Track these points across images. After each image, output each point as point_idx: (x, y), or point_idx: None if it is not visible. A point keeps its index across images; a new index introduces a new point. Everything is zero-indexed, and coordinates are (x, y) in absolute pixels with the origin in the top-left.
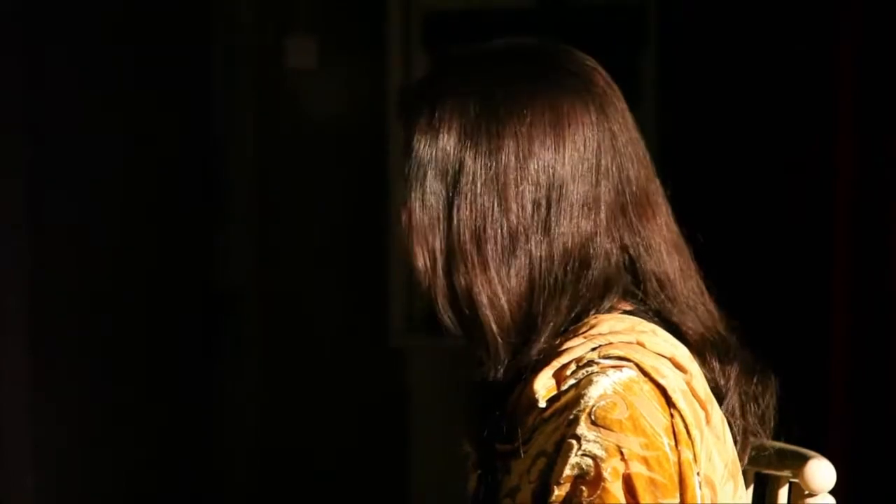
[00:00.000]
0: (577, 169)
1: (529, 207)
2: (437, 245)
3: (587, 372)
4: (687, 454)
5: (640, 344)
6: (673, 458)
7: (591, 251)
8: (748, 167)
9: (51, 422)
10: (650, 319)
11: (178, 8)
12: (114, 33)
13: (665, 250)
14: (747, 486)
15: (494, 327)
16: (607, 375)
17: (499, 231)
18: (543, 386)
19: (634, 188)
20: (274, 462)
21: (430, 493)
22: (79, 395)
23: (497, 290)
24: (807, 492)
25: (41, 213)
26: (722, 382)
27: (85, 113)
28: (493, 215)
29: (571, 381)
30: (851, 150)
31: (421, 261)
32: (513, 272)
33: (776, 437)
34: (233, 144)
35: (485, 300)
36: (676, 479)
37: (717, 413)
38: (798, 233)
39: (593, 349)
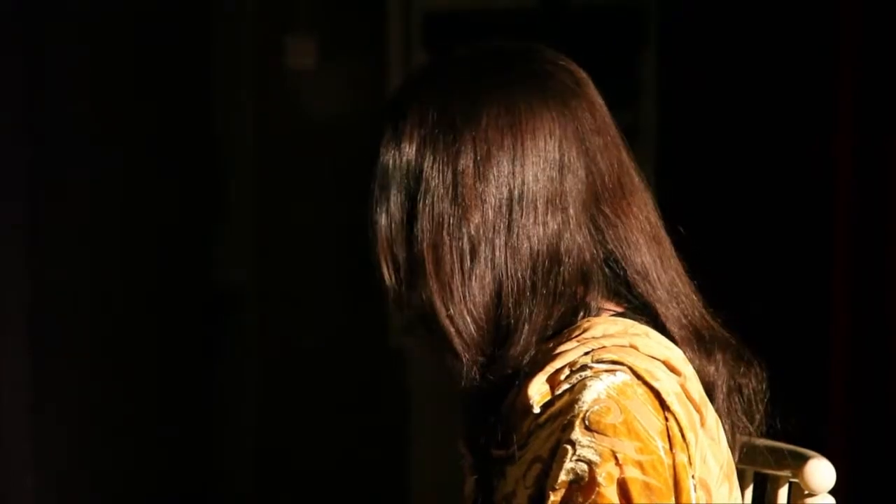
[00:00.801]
0: (537, 166)
1: (490, 213)
2: (401, 257)
3: (581, 376)
4: (682, 457)
5: (633, 347)
6: (668, 461)
7: (562, 248)
8: (748, 167)
9: (51, 422)
10: (641, 320)
11: (177, 7)
12: (114, 33)
13: (644, 241)
14: (747, 487)
15: (456, 339)
16: (601, 380)
17: (459, 241)
18: (538, 391)
19: (606, 180)
20: (274, 462)
21: (430, 493)
22: (79, 395)
23: (458, 302)
24: (807, 492)
25: (41, 213)
26: (711, 370)
27: (85, 113)
28: (451, 224)
29: (565, 386)
30: (851, 150)
31: (386, 273)
32: (475, 283)
33: (774, 438)
34: (233, 144)
35: (445, 313)
36: (671, 482)
37: (711, 415)
38: (798, 233)
39: (586, 353)
